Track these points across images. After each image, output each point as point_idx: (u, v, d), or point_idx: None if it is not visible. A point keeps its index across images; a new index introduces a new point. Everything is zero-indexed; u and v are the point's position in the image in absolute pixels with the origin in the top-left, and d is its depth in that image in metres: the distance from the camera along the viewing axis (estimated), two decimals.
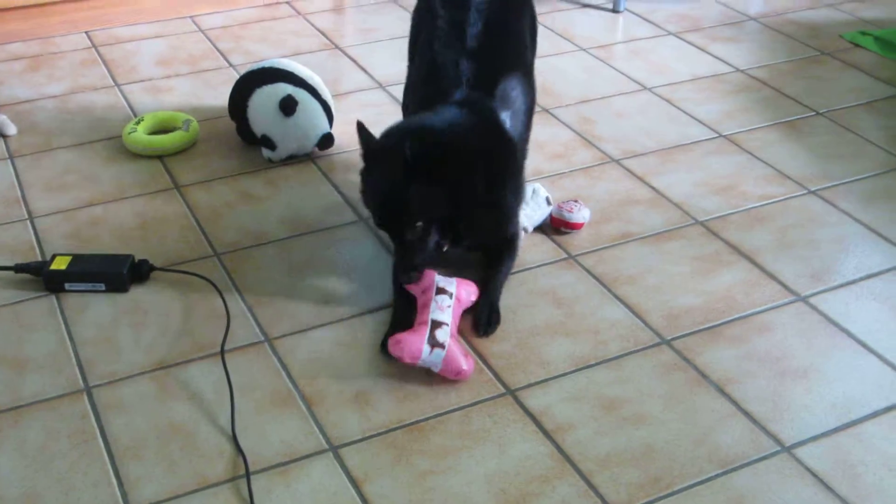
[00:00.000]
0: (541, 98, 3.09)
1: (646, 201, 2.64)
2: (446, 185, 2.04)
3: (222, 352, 2.10)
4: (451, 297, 2.10)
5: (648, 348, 2.15)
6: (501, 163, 2.20)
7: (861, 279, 2.38)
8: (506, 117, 2.25)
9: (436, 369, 2.02)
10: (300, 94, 2.71)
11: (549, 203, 2.51)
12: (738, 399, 2.02)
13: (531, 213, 2.48)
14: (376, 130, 2.18)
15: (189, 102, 3.07)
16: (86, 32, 3.52)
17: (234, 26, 3.59)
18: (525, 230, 2.45)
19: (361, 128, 2.11)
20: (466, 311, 2.19)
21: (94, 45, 3.44)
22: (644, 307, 2.27)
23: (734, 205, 2.63)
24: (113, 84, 3.18)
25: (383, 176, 2.07)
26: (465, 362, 2.02)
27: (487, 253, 2.30)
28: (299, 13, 3.71)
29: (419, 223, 2.05)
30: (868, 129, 3.01)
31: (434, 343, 2.01)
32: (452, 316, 2.07)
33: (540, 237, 2.48)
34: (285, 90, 2.70)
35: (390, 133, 2.13)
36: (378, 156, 2.10)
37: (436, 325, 2.03)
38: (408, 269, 2.08)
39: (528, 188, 2.45)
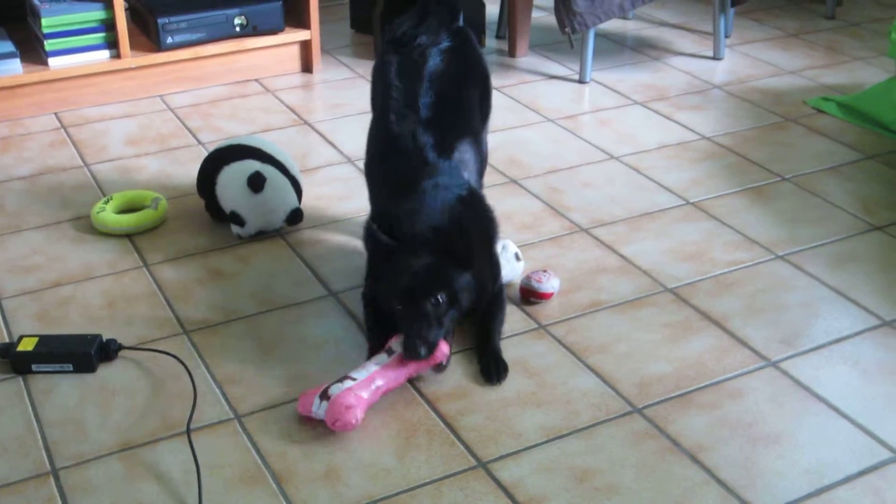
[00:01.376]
0: (509, 169, 3.10)
1: (615, 269, 2.64)
2: (468, 267, 2.17)
3: (188, 431, 2.07)
4: (389, 354, 2.13)
5: (620, 417, 2.14)
6: (490, 233, 2.33)
7: (831, 343, 2.37)
8: (467, 178, 2.36)
9: (323, 419, 2.05)
10: (268, 171, 2.71)
11: (518, 258, 2.52)
12: (711, 466, 2.00)
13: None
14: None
15: (158, 180, 3.07)
16: (55, 113, 3.52)
17: (204, 104, 3.59)
18: None
19: (373, 230, 2.20)
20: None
21: (62, 126, 3.43)
22: (615, 375, 2.25)
23: (703, 271, 2.63)
24: (82, 164, 3.18)
25: (410, 260, 2.15)
26: (346, 413, 2.01)
27: (482, 311, 2.33)
28: (268, 90, 3.72)
29: (441, 295, 2.12)
30: (834, 194, 3.02)
31: (323, 396, 2.05)
32: (379, 370, 2.10)
33: (510, 307, 2.47)
34: (253, 167, 2.70)
35: (408, 232, 2.19)
36: (404, 252, 2.17)
37: (339, 380, 2.08)
38: (430, 343, 2.13)
39: (498, 244, 2.45)
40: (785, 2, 4.73)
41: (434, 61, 2.46)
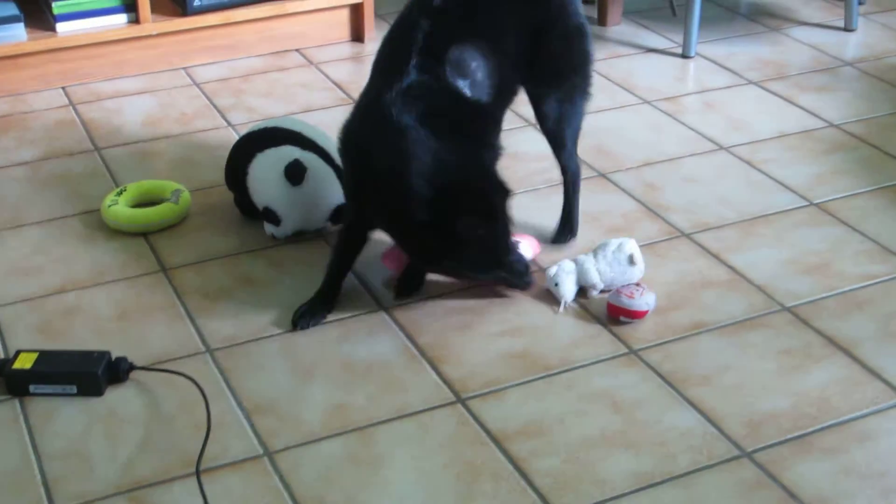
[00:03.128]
0: (596, 160, 3.08)
1: (722, 284, 2.62)
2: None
3: (197, 471, 2.08)
4: None
5: (726, 462, 2.12)
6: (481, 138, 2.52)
7: None
8: (463, 86, 2.45)
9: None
10: (309, 159, 2.71)
11: (632, 262, 2.54)
12: None
13: (605, 268, 2.53)
14: None
15: (180, 169, 3.09)
16: (62, 88, 3.55)
17: (235, 79, 3.61)
18: (594, 287, 2.53)
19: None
20: None
21: (71, 103, 3.46)
22: (720, 412, 2.23)
23: (829, 287, 2.61)
24: (92, 148, 3.20)
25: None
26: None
27: None
28: (311, 62, 3.73)
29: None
30: None
31: None
32: None
33: (595, 327, 2.46)
34: (292, 154, 2.70)
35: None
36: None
37: None
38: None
39: (616, 241, 2.57)
40: None
41: None
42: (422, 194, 2.34)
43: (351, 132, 2.46)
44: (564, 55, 2.68)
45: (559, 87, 2.68)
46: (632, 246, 2.58)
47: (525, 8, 2.60)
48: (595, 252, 2.59)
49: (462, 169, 2.40)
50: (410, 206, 2.36)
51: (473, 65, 2.48)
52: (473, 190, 2.41)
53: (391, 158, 2.37)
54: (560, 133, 2.72)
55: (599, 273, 2.55)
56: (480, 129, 2.51)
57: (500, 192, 2.46)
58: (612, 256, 2.57)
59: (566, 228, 2.79)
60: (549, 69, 2.66)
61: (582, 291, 2.56)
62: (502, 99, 2.60)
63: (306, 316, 2.49)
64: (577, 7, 2.66)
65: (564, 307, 2.52)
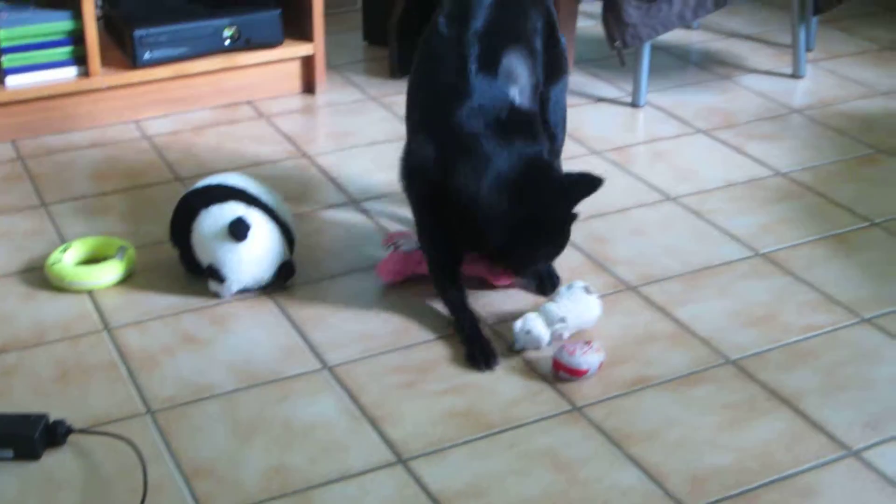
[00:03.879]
0: None
1: (667, 337, 2.60)
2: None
3: None
4: None
5: None
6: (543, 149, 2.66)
7: None
8: (514, 93, 2.61)
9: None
10: (254, 216, 2.68)
11: (588, 291, 2.57)
12: None
13: (570, 305, 2.54)
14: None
15: (127, 225, 3.06)
16: (11, 142, 3.51)
17: (185, 132, 3.58)
18: (562, 320, 2.52)
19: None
20: None
21: (20, 157, 3.43)
22: (663, 469, 2.21)
23: (773, 339, 2.59)
24: (39, 203, 3.16)
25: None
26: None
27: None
28: (262, 114, 3.70)
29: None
30: None
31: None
32: None
33: (539, 384, 2.44)
34: (235, 211, 2.68)
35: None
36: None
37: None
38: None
39: (562, 287, 2.62)
40: (879, 8, 4.69)
41: None
42: (506, 193, 2.52)
43: (420, 160, 2.61)
44: (559, 50, 2.87)
45: (559, 79, 2.88)
46: (580, 282, 2.61)
47: (540, 9, 2.79)
48: (551, 300, 2.59)
49: (533, 166, 2.58)
50: (499, 205, 2.53)
51: (519, 70, 2.65)
52: (555, 179, 2.62)
53: (475, 169, 2.52)
54: (558, 123, 2.91)
55: (566, 309, 2.54)
56: (533, 133, 2.64)
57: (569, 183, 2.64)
58: (569, 295, 2.57)
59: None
60: (555, 64, 2.85)
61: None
62: (535, 100, 2.75)
63: (490, 359, 2.52)
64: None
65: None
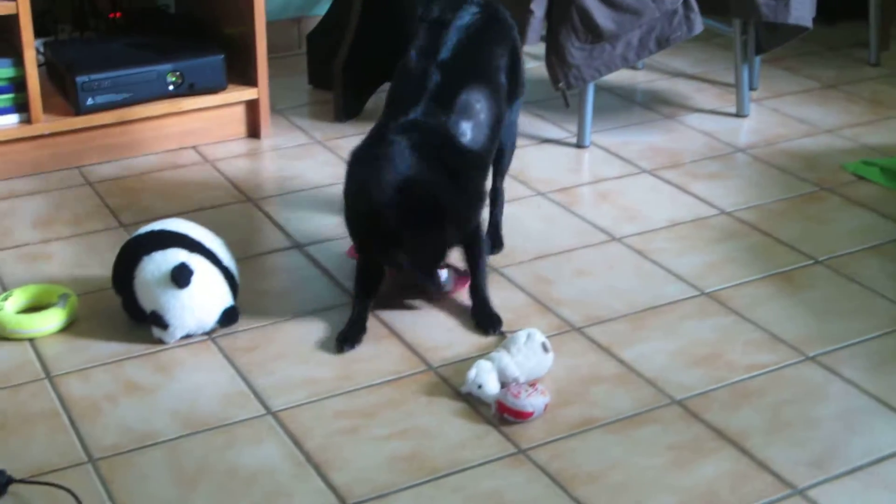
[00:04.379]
0: (491, 255, 3.06)
1: (612, 378, 2.60)
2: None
3: None
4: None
5: None
6: (462, 175, 2.78)
7: (870, 464, 2.33)
8: (466, 128, 2.78)
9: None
10: (196, 262, 2.68)
11: (546, 349, 2.56)
12: None
13: (523, 360, 2.52)
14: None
15: (70, 272, 3.03)
16: None
17: (129, 177, 3.57)
18: (516, 380, 2.48)
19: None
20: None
21: None
22: None
23: (718, 378, 2.60)
24: None
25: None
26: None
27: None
28: (207, 160, 3.70)
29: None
30: (876, 279, 3.00)
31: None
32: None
33: (484, 427, 2.43)
34: (178, 257, 2.67)
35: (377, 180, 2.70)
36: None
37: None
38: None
39: (522, 333, 2.57)
40: (821, 47, 4.73)
41: (462, 19, 2.92)
42: (388, 194, 2.66)
43: (351, 162, 2.80)
44: (518, 74, 3.05)
45: (514, 101, 3.07)
46: (539, 335, 2.59)
47: (505, 43, 3.00)
48: (507, 347, 2.58)
49: (431, 183, 2.71)
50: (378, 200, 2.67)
51: (478, 107, 2.82)
52: (428, 197, 2.70)
53: (378, 167, 2.70)
54: (507, 145, 3.10)
55: (518, 366, 2.53)
56: (468, 173, 2.81)
57: (458, 209, 2.77)
58: (525, 348, 2.56)
59: (496, 242, 3.13)
60: (512, 86, 3.02)
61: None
62: (494, 136, 2.91)
63: (349, 340, 2.71)
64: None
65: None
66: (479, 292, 2.84)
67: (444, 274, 2.82)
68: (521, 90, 3.10)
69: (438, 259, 2.77)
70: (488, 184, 2.98)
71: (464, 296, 2.88)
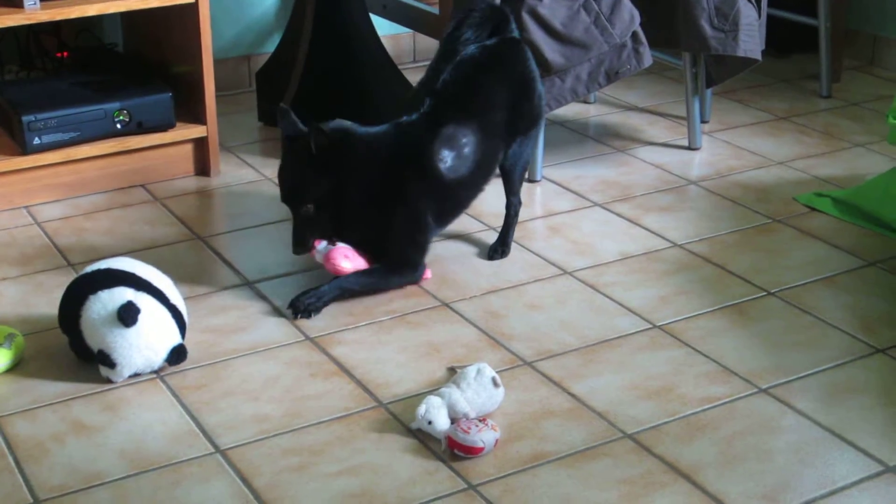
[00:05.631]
0: (439, 290, 3.09)
1: (564, 412, 2.60)
2: (339, 177, 2.94)
3: None
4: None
5: None
6: (405, 180, 3.03)
7: (824, 496, 2.34)
8: (446, 155, 3.04)
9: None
10: (143, 300, 2.67)
11: (496, 384, 2.55)
12: None
13: (473, 396, 2.51)
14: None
15: (16, 312, 3.03)
16: None
17: (77, 217, 3.56)
18: (466, 416, 2.47)
19: (285, 112, 2.97)
20: None
21: None
22: None
23: (670, 411, 2.61)
24: None
25: (291, 160, 3.00)
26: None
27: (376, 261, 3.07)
28: (155, 198, 3.69)
29: (309, 205, 2.95)
30: (828, 310, 3.02)
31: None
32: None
33: (434, 463, 2.43)
34: (124, 296, 2.67)
35: (312, 126, 2.91)
36: (291, 141, 2.98)
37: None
38: (298, 243, 3.01)
39: (472, 368, 2.57)
40: (772, 79, 4.77)
41: (469, 51, 3.13)
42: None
43: None
44: (527, 109, 3.25)
45: (526, 133, 3.26)
46: (489, 370, 2.59)
47: (510, 80, 3.20)
48: (457, 382, 2.57)
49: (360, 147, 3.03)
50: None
51: (463, 141, 3.05)
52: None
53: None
54: (516, 171, 3.28)
55: (468, 401, 2.53)
56: (412, 186, 3.06)
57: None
58: (475, 383, 2.56)
59: (503, 248, 3.31)
60: (523, 124, 3.23)
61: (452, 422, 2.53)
62: (482, 170, 3.15)
63: (298, 312, 2.98)
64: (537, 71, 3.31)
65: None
66: (342, 281, 3.04)
67: (323, 243, 3.03)
68: (534, 123, 3.28)
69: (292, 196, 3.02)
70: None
71: (409, 327, 2.87)
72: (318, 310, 2.98)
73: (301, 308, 2.96)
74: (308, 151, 2.92)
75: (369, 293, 3.06)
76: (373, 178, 3.02)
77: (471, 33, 3.17)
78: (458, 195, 3.16)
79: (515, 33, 3.28)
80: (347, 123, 3.02)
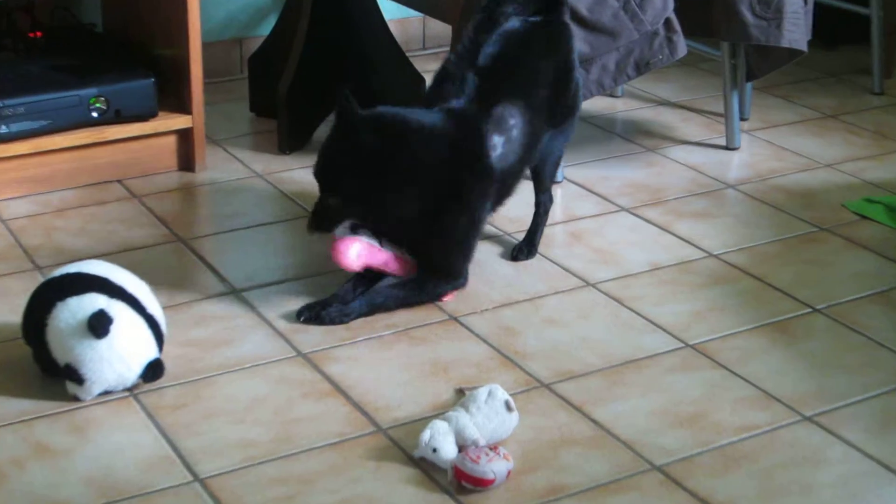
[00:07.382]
0: (449, 303, 3.09)
1: (585, 441, 2.58)
2: (386, 177, 2.91)
3: None
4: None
5: None
6: (461, 177, 2.99)
7: None
8: (497, 142, 3.01)
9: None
10: (117, 309, 2.65)
11: (510, 408, 2.52)
12: None
13: (483, 421, 2.49)
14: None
15: None
16: None
17: (47, 214, 3.55)
18: (475, 443, 2.45)
19: (347, 97, 2.88)
20: None
21: None
22: None
23: (704, 441, 2.58)
24: None
25: (336, 146, 2.94)
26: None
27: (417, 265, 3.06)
28: (133, 195, 3.68)
29: (335, 197, 2.92)
30: (879, 329, 3.00)
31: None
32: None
33: (439, 496, 2.40)
34: (96, 304, 2.64)
35: (363, 121, 2.90)
36: (342, 128, 2.93)
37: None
38: (314, 225, 2.95)
39: (483, 390, 2.53)
40: (819, 74, 4.76)
41: (513, 24, 3.13)
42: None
43: None
44: (565, 93, 3.24)
45: (560, 126, 3.26)
46: (502, 392, 2.56)
47: (554, 56, 3.20)
48: (465, 406, 2.55)
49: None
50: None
51: (512, 122, 3.03)
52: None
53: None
54: (547, 165, 3.30)
55: (478, 427, 2.50)
56: (468, 185, 3.02)
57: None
58: (486, 407, 2.53)
59: (529, 248, 3.33)
60: (559, 115, 3.23)
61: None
62: (525, 157, 3.14)
63: (310, 318, 2.98)
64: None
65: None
66: (373, 298, 3.01)
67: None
68: (569, 115, 3.27)
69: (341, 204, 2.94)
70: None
71: (412, 343, 2.85)
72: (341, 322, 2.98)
73: (317, 318, 2.97)
74: (356, 145, 2.90)
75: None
76: (427, 178, 2.97)
77: (512, 7, 3.16)
78: (506, 186, 3.14)
79: (566, 17, 3.27)
80: (401, 114, 2.97)
